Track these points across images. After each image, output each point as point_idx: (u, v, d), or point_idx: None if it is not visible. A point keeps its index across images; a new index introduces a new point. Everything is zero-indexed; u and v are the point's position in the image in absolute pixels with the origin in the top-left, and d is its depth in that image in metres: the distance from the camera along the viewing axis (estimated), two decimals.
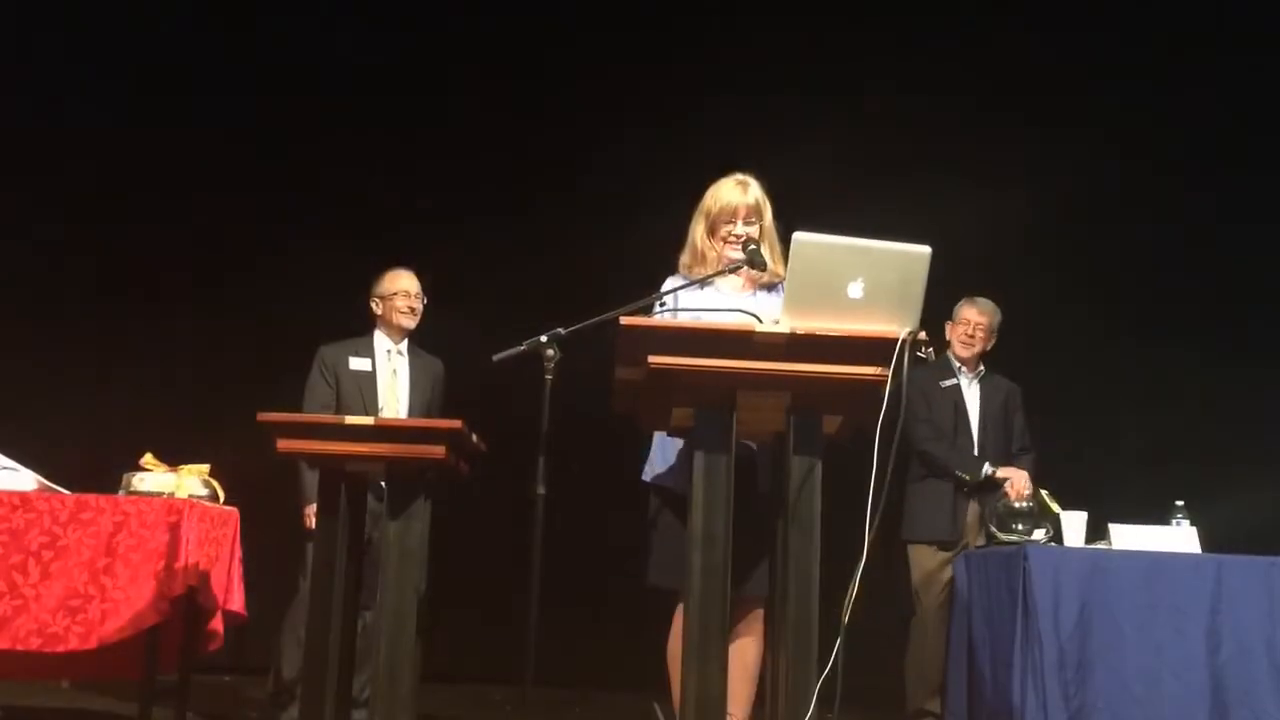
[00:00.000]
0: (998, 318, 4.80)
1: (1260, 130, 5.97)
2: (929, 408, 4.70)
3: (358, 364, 4.43)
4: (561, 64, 6.30)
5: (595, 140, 6.16)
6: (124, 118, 6.09)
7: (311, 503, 4.26)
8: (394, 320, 4.45)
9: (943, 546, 4.59)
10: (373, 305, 4.50)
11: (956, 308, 4.81)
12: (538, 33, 6.37)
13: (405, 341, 4.52)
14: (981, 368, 4.83)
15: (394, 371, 4.48)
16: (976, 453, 4.68)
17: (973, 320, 4.77)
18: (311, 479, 4.24)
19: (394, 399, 4.44)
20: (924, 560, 4.61)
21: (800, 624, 2.60)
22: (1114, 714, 3.64)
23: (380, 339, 4.50)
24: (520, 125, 6.27)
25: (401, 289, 4.46)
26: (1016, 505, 4.29)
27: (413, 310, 4.47)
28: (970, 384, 4.80)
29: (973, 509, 4.61)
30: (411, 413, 4.41)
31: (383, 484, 3.41)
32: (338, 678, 3.33)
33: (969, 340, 4.76)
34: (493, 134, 6.26)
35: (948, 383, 4.76)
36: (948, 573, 4.52)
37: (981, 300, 4.81)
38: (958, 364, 4.79)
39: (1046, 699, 3.62)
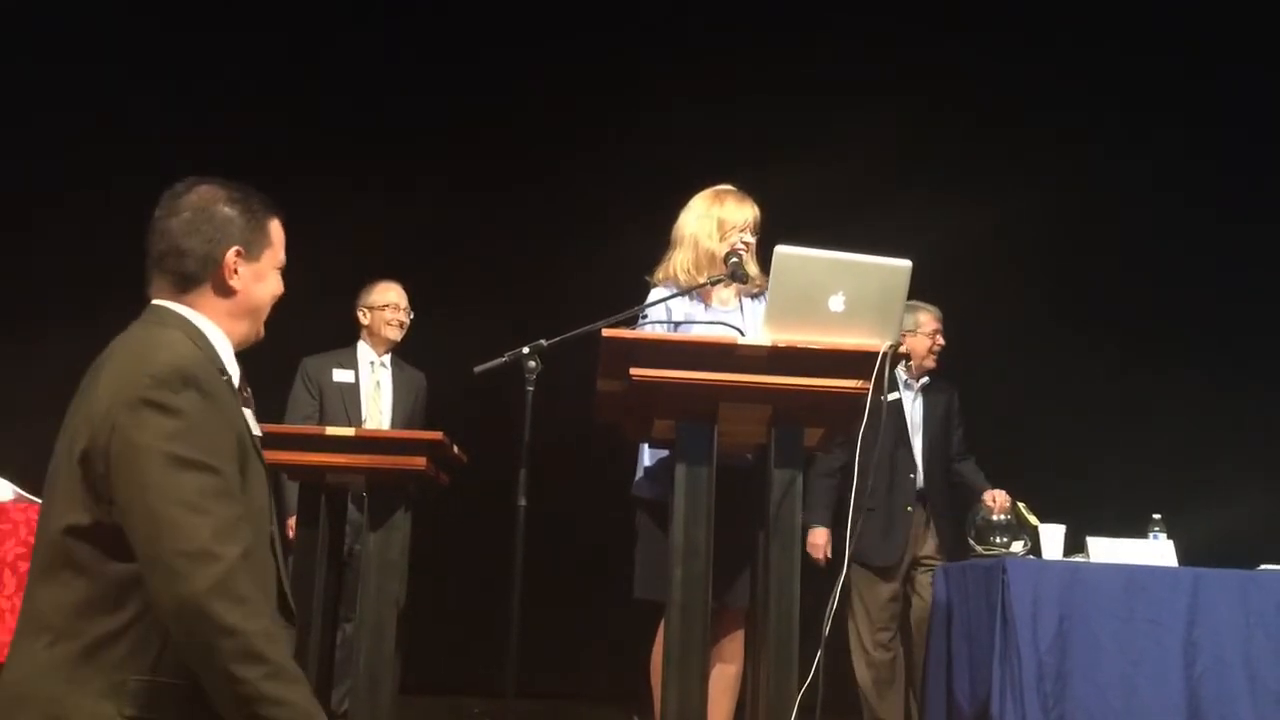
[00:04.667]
0: None
1: (1234, 145, 6.02)
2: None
3: (341, 375, 4.42)
4: (546, 76, 6.30)
5: (578, 152, 6.17)
6: (104, 120, 6.06)
7: (293, 514, 4.24)
8: (381, 332, 4.45)
9: (883, 575, 4.42)
10: (359, 315, 4.49)
11: (911, 316, 4.53)
12: (519, 43, 6.38)
13: (389, 354, 4.52)
14: (926, 378, 4.65)
15: (378, 383, 4.47)
16: (921, 465, 4.52)
17: (935, 327, 4.61)
18: (293, 490, 4.21)
19: (377, 411, 4.43)
20: (860, 580, 4.42)
21: (781, 635, 2.60)
22: None
23: (364, 350, 4.49)
24: (503, 137, 6.27)
25: (390, 302, 4.46)
26: (995, 518, 4.30)
27: (401, 324, 4.47)
28: (915, 398, 4.62)
29: (917, 523, 4.49)
30: (394, 425, 4.39)
31: (364, 495, 3.40)
32: (316, 690, 3.31)
33: (936, 350, 4.59)
34: (475, 146, 6.25)
35: (890, 397, 4.42)
36: (889, 584, 4.41)
37: (930, 306, 4.64)
38: (903, 376, 4.60)
39: (1025, 711, 3.63)
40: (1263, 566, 3.97)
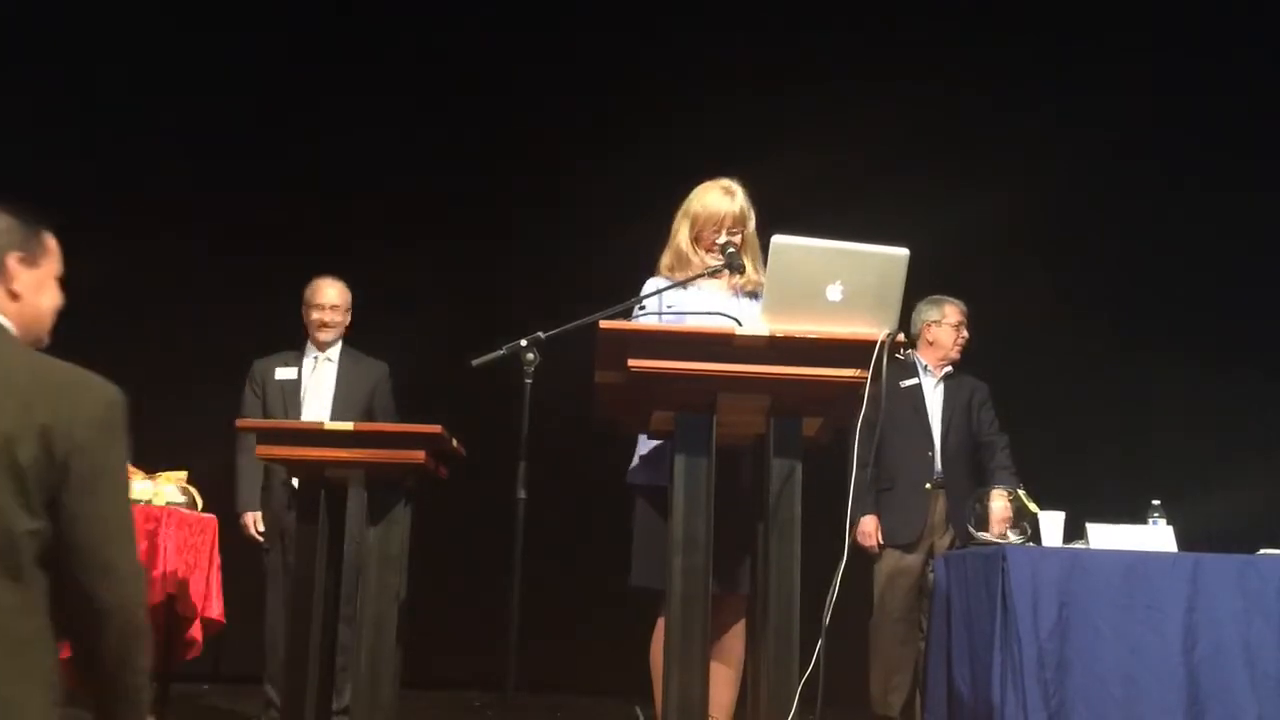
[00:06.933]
0: None
1: (1231, 139, 6.01)
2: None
3: (284, 373, 4.40)
4: (540, 66, 6.30)
5: (576, 143, 6.16)
6: (87, 120, 6.04)
7: (250, 510, 4.25)
8: (310, 333, 4.43)
9: (905, 549, 4.51)
10: (303, 312, 4.47)
11: (937, 308, 4.63)
12: (515, 34, 6.36)
13: (338, 345, 4.48)
14: (949, 367, 4.68)
15: (319, 377, 4.45)
16: (938, 454, 4.57)
17: (960, 319, 4.62)
18: (249, 484, 4.21)
19: (317, 402, 4.39)
20: (886, 564, 4.54)
21: (781, 625, 2.60)
22: (1092, 713, 3.65)
23: (310, 346, 4.47)
24: (500, 128, 6.27)
25: (317, 302, 4.40)
26: (994, 505, 4.29)
27: (325, 324, 4.40)
28: (936, 385, 4.64)
29: (938, 509, 4.55)
30: (335, 415, 4.32)
31: (363, 490, 3.39)
32: (318, 685, 3.31)
33: (960, 342, 4.62)
34: (472, 137, 6.25)
35: (908, 383, 4.56)
36: (910, 576, 4.49)
37: (955, 299, 4.69)
38: (923, 363, 4.63)
39: (1026, 699, 3.63)
40: (1262, 551, 3.97)
